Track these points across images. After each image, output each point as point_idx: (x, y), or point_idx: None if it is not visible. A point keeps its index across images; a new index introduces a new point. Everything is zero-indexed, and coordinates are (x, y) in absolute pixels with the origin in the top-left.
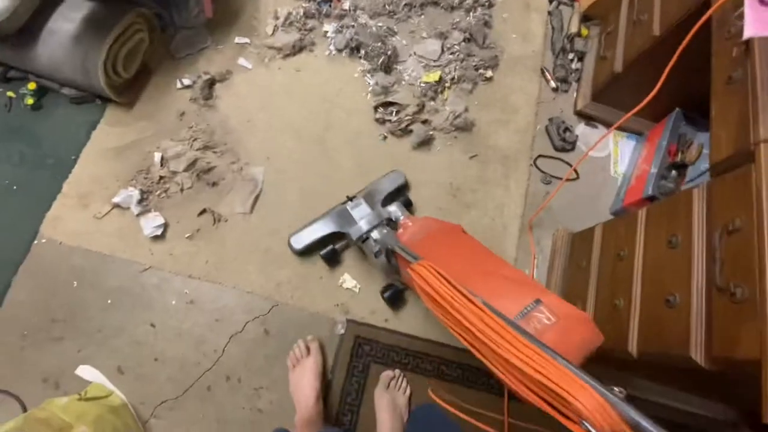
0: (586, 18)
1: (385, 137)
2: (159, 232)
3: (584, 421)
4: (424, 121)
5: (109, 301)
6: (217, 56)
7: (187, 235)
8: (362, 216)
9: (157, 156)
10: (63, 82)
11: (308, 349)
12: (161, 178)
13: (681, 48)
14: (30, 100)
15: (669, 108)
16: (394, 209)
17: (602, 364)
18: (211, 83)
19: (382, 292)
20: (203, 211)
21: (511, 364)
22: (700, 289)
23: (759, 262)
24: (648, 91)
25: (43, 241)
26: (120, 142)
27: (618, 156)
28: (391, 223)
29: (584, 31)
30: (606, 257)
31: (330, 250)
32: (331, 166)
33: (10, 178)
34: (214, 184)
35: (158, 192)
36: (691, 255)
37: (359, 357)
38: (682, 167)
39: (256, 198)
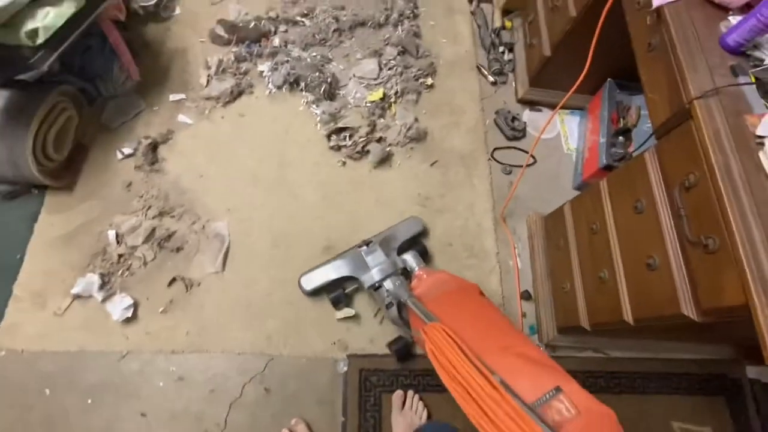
0: (506, 11)
1: (344, 162)
2: (129, 313)
3: None
4: (379, 139)
5: (89, 401)
6: (155, 118)
7: (160, 310)
8: (377, 264)
9: (111, 234)
10: None
11: None
12: (120, 256)
13: (600, 24)
14: None
15: (602, 80)
16: (409, 258)
17: (607, 335)
18: (153, 147)
19: (390, 345)
20: (173, 281)
21: None
22: (675, 248)
23: (721, 212)
24: (579, 68)
25: (2, 353)
26: (67, 229)
27: (567, 133)
28: (405, 273)
29: (508, 24)
30: (580, 233)
31: (339, 294)
32: (297, 203)
33: None
34: (178, 249)
35: (120, 272)
36: (658, 216)
37: (368, 390)
38: (626, 132)
39: (226, 254)
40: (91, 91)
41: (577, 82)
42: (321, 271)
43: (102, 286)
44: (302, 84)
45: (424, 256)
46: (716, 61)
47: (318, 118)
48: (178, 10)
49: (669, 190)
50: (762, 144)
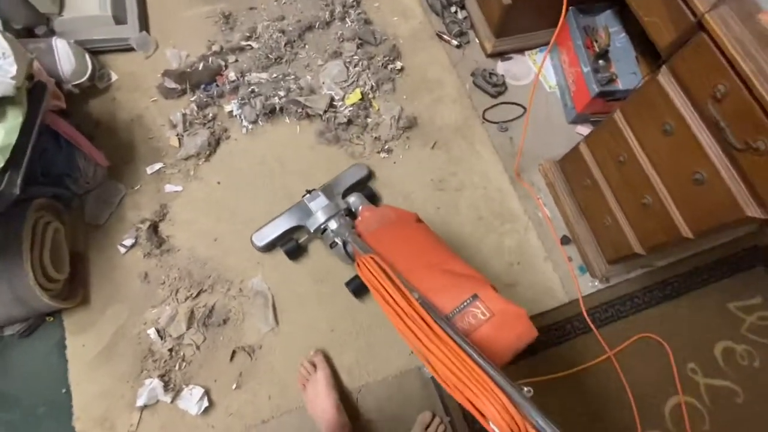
0: None
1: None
2: (205, 402)
3: (491, 422)
4: (376, 139)
5: None
6: (141, 198)
7: (233, 387)
8: (319, 207)
9: (152, 332)
10: (1, 323)
11: (314, 365)
12: (170, 351)
13: None
14: None
15: (559, 11)
16: (353, 200)
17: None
18: (154, 228)
19: (347, 284)
20: (233, 354)
21: (435, 361)
22: (721, 158)
23: (765, 114)
24: (543, 7)
25: None
26: (102, 344)
27: (543, 72)
28: (351, 214)
29: None
30: (607, 168)
31: (292, 245)
32: None
33: None
34: (224, 321)
35: (177, 366)
36: (693, 133)
37: None
38: (603, 54)
39: (274, 308)
40: (64, 193)
41: (561, 21)
42: (269, 227)
43: (165, 387)
44: (277, 110)
45: (372, 199)
46: None
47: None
48: (114, 76)
49: (697, 106)
50: None
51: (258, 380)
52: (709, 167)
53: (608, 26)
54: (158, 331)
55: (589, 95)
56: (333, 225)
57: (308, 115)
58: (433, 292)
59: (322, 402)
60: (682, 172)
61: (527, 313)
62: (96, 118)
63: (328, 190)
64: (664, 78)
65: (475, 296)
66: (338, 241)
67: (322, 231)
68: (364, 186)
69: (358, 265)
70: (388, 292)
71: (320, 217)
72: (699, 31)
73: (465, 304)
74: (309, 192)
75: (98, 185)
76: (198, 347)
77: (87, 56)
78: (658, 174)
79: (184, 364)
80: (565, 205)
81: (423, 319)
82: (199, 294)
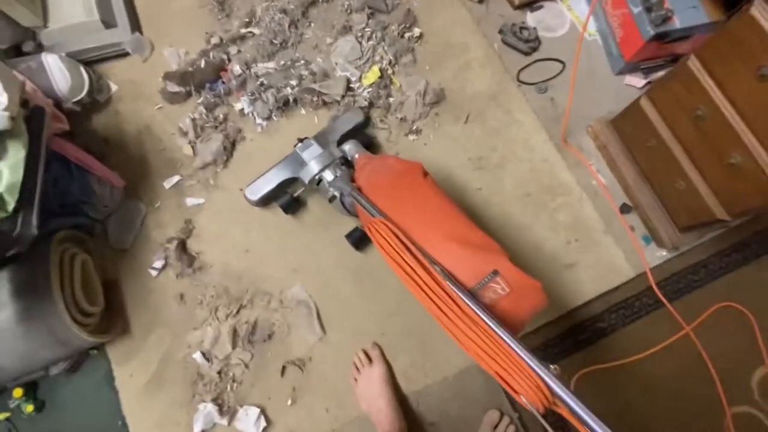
0: None
1: None
2: (263, 422)
3: (524, 397)
4: (402, 120)
5: None
6: (163, 215)
7: (289, 403)
8: (313, 156)
9: (197, 355)
10: (45, 365)
11: (369, 358)
12: (219, 373)
13: None
14: (29, 408)
15: None
16: (348, 147)
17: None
18: (182, 246)
19: (347, 237)
20: (284, 369)
21: (461, 333)
22: None
23: None
24: None
25: None
26: (150, 372)
27: (579, 18)
28: (347, 163)
29: None
30: (679, 124)
31: (288, 199)
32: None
33: None
34: (270, 336)
35: (228, 387)
36: None
37: None
38: None
39: (318, 316)
40: (84, 222)
41: None
42: (262, 180)
43: (220, 411)
44: (291, 101)
45: (370, 147)
46: None
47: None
48: (113, 87)
49: None
50: None
51: (313, 393)
52: None
53: None
54: (204, 354)
55: (642, 39)
56: (329, 176)
57: (325, 103)
58: (452, 264)
59: (376, 401)
60: None
61: (541, 285)
62: (103, 135)
63: (321, 137)
64: (760, 10)
65: (495, 272)
66: (336, 194)
67: (317, 182)
68: (361, 133)
69: (369, 229)
70: (405, 262)
71: (314, 167)
72: None
73: (486, 280)
74: (301, 141)
75: (117, 208)
76: (247, 366)
77: (82, 69)
78: (751, 129)
79: (235, 384)
80: (622, 169)
81: (447, 293)
82: (239, 310)
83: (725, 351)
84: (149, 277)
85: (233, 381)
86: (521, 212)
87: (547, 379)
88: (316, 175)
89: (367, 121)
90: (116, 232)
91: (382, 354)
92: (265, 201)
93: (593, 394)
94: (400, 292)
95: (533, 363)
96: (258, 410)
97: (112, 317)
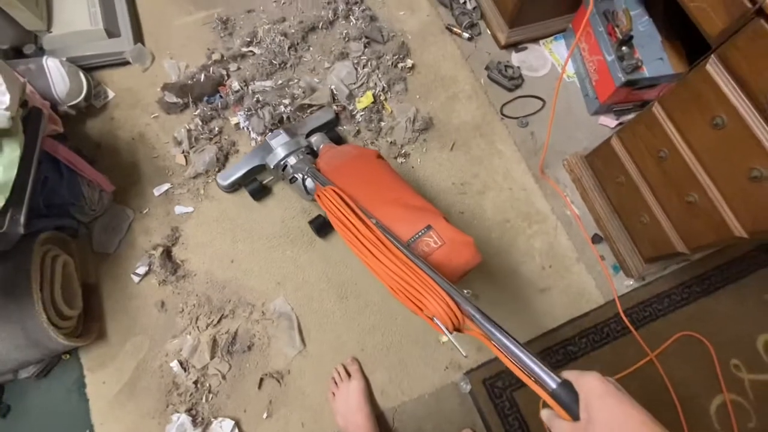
0: None
1: None
2: None
3: (434, 318)
4: (391, 144)
5: None
6: (150, 222)
7: (264, 416)
8: (280, 144)
9: (174, 364)
10: (16, 368)
11: (348, 373)
12: (195, 382)
13: None
14: None
15: None
16: (315, 139)
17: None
18: (167, 253)
19: (310, 223)
20: (261, 381)
21: (388, 274)
22: None
23: None
24: None
25: None
26: (123, 380)
27: (560, 61)
28: (313, 152)
29: None
30: (644, 164)
31: (256, 185)
32: (340, 244)
33: None
34: (249, 347)
35: (203, 398)
36: (749, 126)
37: (499, 396)
38: (627, 40)
39: (300, 329)
40: (70, 224)
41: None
42: (233, 167)
43: (194, 422)
44: (285, 119)
45: (338, 142)
46: None
47: None
48: (111, 94)
49: (753, 98)
50: None
51: (289, 407)
52: None
53: (629, 9)
54: (181, 363)
55: (614, 84)
56: (292, 161)
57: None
58: (391, 222)
59: (354, 416)
60: (736, 168)
61: (473, 241)
62: (96, 140)
63: (290, 129)
64: (713, 68)
65: (429, 227)
66: (297, 176)
67: (282, 168)
68: (330, 130)
69: (318, 196)
70: (348, 219)
71: (280, 153)
72: (757, 17)
73: (420, 233)
74: (271, 131)
75: (104, 212)
76: (224, 377)
77: (81, 74)
78: (705, 170)
79: (211, 395)
80: (594, 202)
81: (380, 241)
82: (220, 320)
83: (686, 378)
84: (131, 283)
85: (209, 392)
86: (500, 237)
87: (462, 300)
88: (281, 160)
89: (336, 118)
90: (101, 236)
91: (361, 369)
92: (234, 186)
93: None
94: (382, 310)
95: (448, 287)
96: (232, 422)
97: (88, 322)
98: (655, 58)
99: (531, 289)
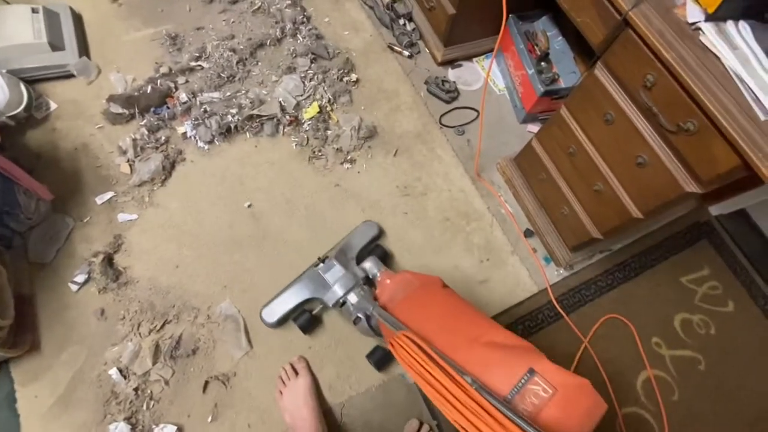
0: None
1: (316, 187)
2: None
3: None
4: (338, 150)
5: None
6: (91, 230)
7: (209, 420)
8: (336, 279)
9: (113, 372)
10: None
11: (295, 370)
12: (136, 390)
13: None
14: None
15: (500, 19)
16: (369, 266)
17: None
18: (108, 261)
19: (368, 357)
20: (206, 385)
21: None
22: (657, 141)
23: (691, 97)
24: (486, 16)
25: None
26: (57, 392)
27: (492, 77)
28: (369, 281)
29: None
30: (559, 160)
31: (306, 319)
32: (288, 247)
33: None
34: (194, 351)
35: (144, 405)
36: (631, 120)
37: None
38: (545, 56)
39: (246, 330)
40: (4, 233)
41: (503, 27)
42: (280, 300)
43: (133, 430)
44: (233, 128)
45: (385, 259)
46: None
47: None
48: (53, 105)
49: (631, 95)
50: (698, 29)
51: (235, 409)
52: (649, 150)
53: (546, 30)
54: (120, 371)
55: (536, 95)
56: (353, 298)
57: (262, 126)
58: (482, 371)
59: (300, 411)
60: (626, 157)
61: (590, 383)
62: (36, 150)
63: (341, 256)
64: (600, 72)
65: (531, 371)
66: (361, 315)
67: (341, 304)
68: (377, 245)
69: (392, 345)
70: (432, 375)
71: (339, 291)
72: (626, 27)
73: (523, 381)
74: (322, 261)
75: (42, 220)
76: (167, 382)
77: (22, 85)
78: (605, 161)
79: (152, 402)
80: (524, 199)
81: (480, 405)
82: (163, 325)
83: (614, 357)
84: (68, 292)
85: (150, 398)
86: (441, 234)
87: None
88: (340, 298)
89: (381, 232)
90: (37, 246)
91: (308, 366)
92: (282, 322)
93: None
94: None
95: None
96: (175, 428)
97: (21, 333)
98: (570, 71)
99: (471, 281)
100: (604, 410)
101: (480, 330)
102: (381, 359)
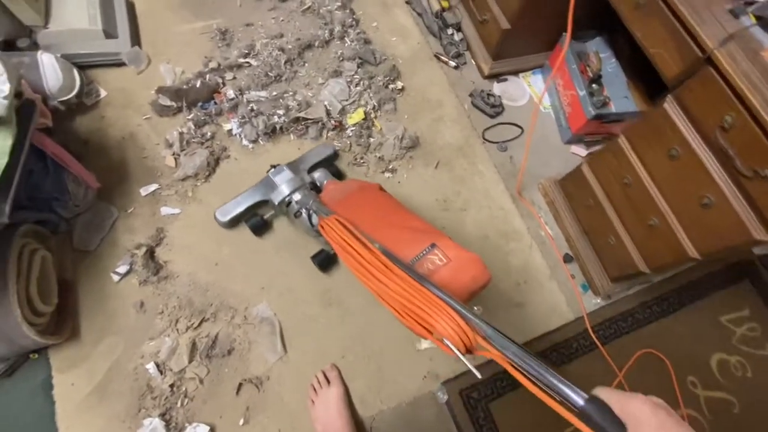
0: None
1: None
2: None
3: (445, 339)
4: (380, 159)
5: None
6: (135, 221)
7: (241, 423)
8: (284, 181)
9: (150, 366)
10: None
11: (327, 380)
12: (171, 386)
13: None
14: None
15: (552, 36)
16: (318, 175)
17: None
18: (150, 253)
19: (313, 258)
20: (240, 387)
21: (393, 297)
22: (729, 184)
23: None
24: (540, 32)
25: None
26: (94, 382)
27: (537, 93)
28: (316, 188)
29: (444, 3)
30: (611, 189)
31: (258, 220)
32: None
33: None
34: (229, 352)
35: (179, 402)
36: (700, 159)
37: (474, 407)
38: (597, 79)
39: (281, 335)
40: (51, 218)
41: (566, 43)
42: (234, 202)
43: (167, 427)
44: (278, 129)
45: (339, 177)
46: (717, 9)
47: None
48: (103, 93)
49: (704, 134)
50: None
51: (267, 414)
52: (717, 192)
53: (599, 52)
54: (157, 365)
55: (585, 117)
56: (297, 197)
57: (308, 129)
58: (394, 245)
59: (333, 421)
60: (689, 195)
61: (480, 258)
62: (84, 137)
63: (293, 165)
64: (670, 106)
65: (433, 245)
66: (302, 211)
67: (287, 204)
68: (331, 164)
69: (322, 227)
70: (351, 246)
71: (285, 190)
72: (707, 65)
73: (424, 252)
74: (273, 167)
75: (88, 208)
76: (201, 381)
77: (75, 71)
78: (663, 196)
79: (186, 400)
80: (566, 223)
81: (384, 264)
82: (201, 323)
83: (647, 393)
84: (110, 282)
85: (185, 396)
86: (479, 252)
87: (472, 317)
88: (286, 197)
89: (336, 154)
90: (82, 233)
91: (341, 376)
92: (234, 222)
93: (534, 424)
94: (364, 318)
95: (456, 305)
96: (207, 428)
97: (62, 319)
98: (622, 96)
99: (507, 303)
100: (487, 278)
101: (401, 218)
102: (324, 260)
